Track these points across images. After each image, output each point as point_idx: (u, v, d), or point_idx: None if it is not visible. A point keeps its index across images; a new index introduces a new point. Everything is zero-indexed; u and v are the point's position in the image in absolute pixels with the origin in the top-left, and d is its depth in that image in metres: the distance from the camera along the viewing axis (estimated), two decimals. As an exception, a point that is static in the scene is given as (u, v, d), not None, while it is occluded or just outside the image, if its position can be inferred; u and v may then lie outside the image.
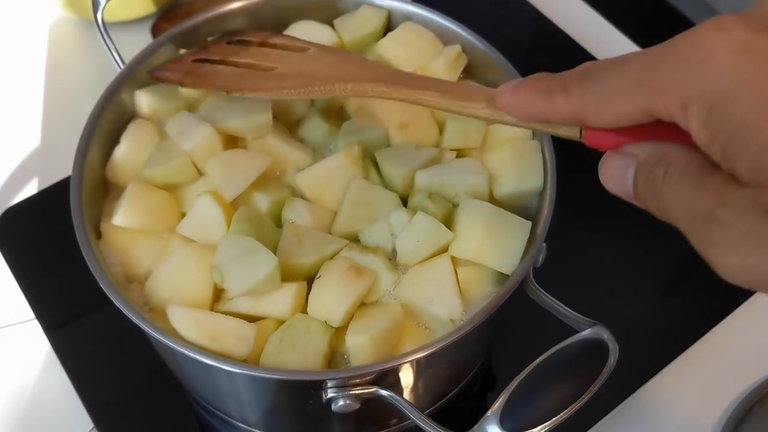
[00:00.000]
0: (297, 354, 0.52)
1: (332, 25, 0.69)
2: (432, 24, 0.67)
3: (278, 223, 0.59)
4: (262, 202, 0.58)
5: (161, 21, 0.91)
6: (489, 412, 0.48)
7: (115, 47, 0.68)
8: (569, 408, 0.48)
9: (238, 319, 0.53)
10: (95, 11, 0.68)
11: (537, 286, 0.56)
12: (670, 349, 0.71)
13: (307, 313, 0.54)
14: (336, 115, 0.64)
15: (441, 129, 0.63)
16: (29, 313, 0.73)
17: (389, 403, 0.51)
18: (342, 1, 0.70)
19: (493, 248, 0.54)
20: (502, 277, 0.55)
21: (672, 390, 0.70)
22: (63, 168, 0.69)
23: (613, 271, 0.76)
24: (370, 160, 0.61)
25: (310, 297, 0.54)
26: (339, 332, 0.54)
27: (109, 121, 0.62)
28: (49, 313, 0.72)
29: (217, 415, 0.66)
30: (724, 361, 0.71)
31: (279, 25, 0.69)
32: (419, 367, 0.53)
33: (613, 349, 0.51)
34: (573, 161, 0.80)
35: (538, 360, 0.50)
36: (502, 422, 0.48)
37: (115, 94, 0.62)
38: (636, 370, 0.69)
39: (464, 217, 0.56)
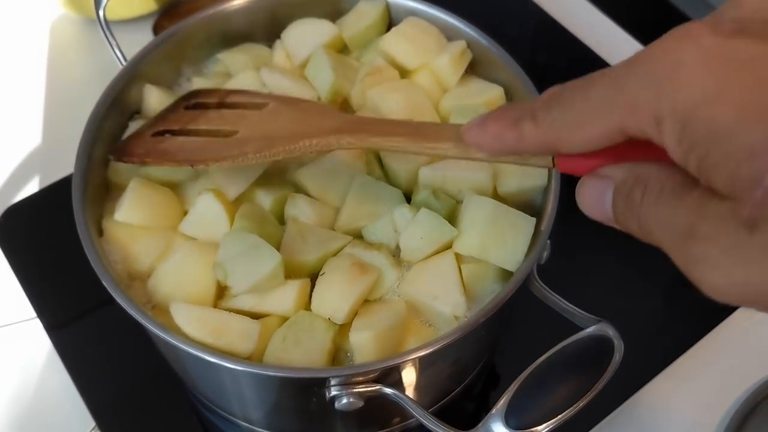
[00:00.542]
0: (300, 351, 0.52)
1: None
2: (436, 21, 0.67)
3: (281, 220, 0.59)
4: (265, 199, 0.58)
5: (163, 19, 0.91)
6: (493, 410, 0.48)
7: (117, 45, 0.68)
8: (574, 405, 0.48)
9: (241, 316, 0.53)
10: (97, 8, 0.67)
11: (541, 283, 0.56)
12: (674, 347, 0.71)
13: (310, 310, 0.54)
14: (340, 108, 0.64)
15: (444, 125, 0.63)
16: (30, 312, 0.72)
17: (393, 401, 0.51)
18: (341, -4, 0.70)
19: (497, 245, 0.54)
20: (506, 274, 0.55)
21: (676, 388, 0.69)
22: (64, 166, 0.69)
23: (617, 270, 0.75)
24: (373, 155, 0.60)
25: (313, 294, 0.54)
26: (343, 329, 0.54)
27: (111, 118, 0.62)
28: (50, 312, 0.72)
29: (220, 413, 0.66)
30: (729, 359, 0.71)
31: (279, 22, 0.69)
32: (423, 365, 0.53)
33: (618, 346, 0.51)
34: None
35: (543, 357, 0.50)
36: (506, 420, 0.48)
37: (117, 92, 0.62)
38: (640, 368, 0.68)
39: (468, 214, 0.55)
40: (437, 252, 0.56)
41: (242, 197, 0.58)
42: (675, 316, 0.73)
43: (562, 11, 0.94)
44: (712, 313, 0.73)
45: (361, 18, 0.68)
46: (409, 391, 0.56)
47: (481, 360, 0.66)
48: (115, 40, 0.68)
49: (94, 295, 0.54)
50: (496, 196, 0.58)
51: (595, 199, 0.36)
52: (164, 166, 0.58)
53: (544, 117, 0.35)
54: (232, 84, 0.65)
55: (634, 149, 0.34)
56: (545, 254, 0.56)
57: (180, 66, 0.68)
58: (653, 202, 0.33)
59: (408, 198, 0.59)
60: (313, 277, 0.55)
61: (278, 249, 0.54)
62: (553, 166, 0.39)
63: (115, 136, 0.62)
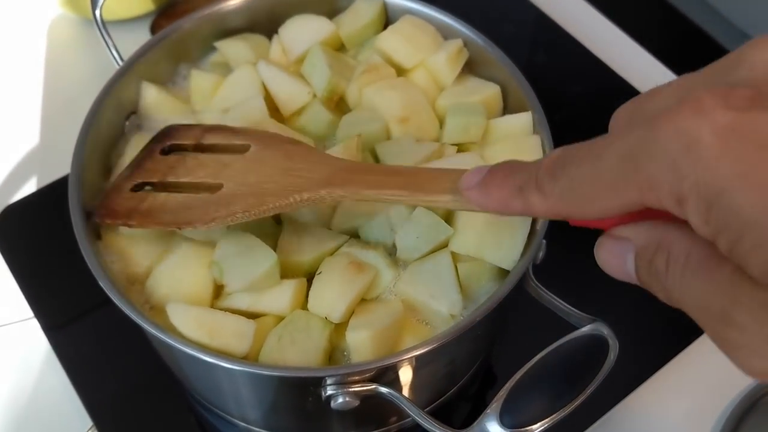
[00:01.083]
0: (296, 350, 0.52)
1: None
2: (432, 20, 0.67)
3: (278, 219, 0.59)
4: None
5: (160, 19, 0.91)
6: (488, 409, 0.48)
7: (114, 45, 0.68)
8: (569, 404, 0.48)
9: (237, 315, 0.53)
10: (93, 8, 0.67)
11: (537, 282, 0.56)
12: (670, 347, 0.71)
13: (307, 309, 0.54)
14: (336, 106, 0.64)
15: (441, 123, 0.63)
16: (28, 312, 0.72)
17: (389, 401, 0.51)
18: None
19: (493, 243, 0.54)
20: (502, 273, 0.55)
21: (672, 388, 0.69)
22: (62, 166, 0.69)
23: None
24: (370, 153, 0.60)
25: (310, 293, 0.54)
26: (339, 328, 0.54)
27: (108, 118, 0.62)
28: (48, 312, 0.72)
29: (217, 413, 0.66)
30: (725, 359, 0.70)
31: (277, 21, 0.69)
32: (419, 364, 0.53)
33: (613, 346, 0.51)
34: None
35: (538, 356, 0.50)
36: (501, 419, 0.48)
37: (113, 91, 0.62)
38: (636, 369, 0.68)
39: (464, 213, 0.55)
40: (433, 251, 0.56)
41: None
42: (670, 315, 0.72)
43: (559, 10, 0.94)
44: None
45: (358, 16, 0.68)
46: (405, 391, 0.56)
47: (476, 360, 0.66)
48: (111, 40, 0.68)
49: (92, 295, 0.54)
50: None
51: (616, 262, 0.35)
52: (148, 229, 0.55)
53: (552, 188, 0.33)
54: (231, 80, 0.65)
55: (653, 210, 0.31)
56: (541, 254, 0.56)
57: (177, 65, 0.68)
58: (679, 274, 0.31)
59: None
60: (310, 276, 0.55)
61: (275, 249, 0.54)
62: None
63: (112, 135, 0.62)
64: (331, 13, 0.69)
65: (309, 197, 0.49)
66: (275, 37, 0.68)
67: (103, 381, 0.69)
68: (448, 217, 0.56)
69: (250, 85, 0.63)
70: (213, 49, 0.69)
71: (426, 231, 0.55)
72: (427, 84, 0.64)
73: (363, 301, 0.55)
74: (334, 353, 0.55)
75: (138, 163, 0.57)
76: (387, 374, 0.51)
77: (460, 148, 0.62)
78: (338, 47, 0.68)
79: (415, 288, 0.55)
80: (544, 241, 0.55)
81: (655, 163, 0.29)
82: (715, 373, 0.70)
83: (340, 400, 0.50)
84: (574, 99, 0.87)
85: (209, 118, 0.63)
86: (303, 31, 0.67)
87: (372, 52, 0.65)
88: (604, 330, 0.51)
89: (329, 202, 0.50)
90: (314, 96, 0.64)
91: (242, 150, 0.54)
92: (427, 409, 0.63)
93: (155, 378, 0.68)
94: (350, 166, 0.51)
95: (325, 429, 0.63)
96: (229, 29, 0.69)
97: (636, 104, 0.34)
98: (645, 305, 0.73)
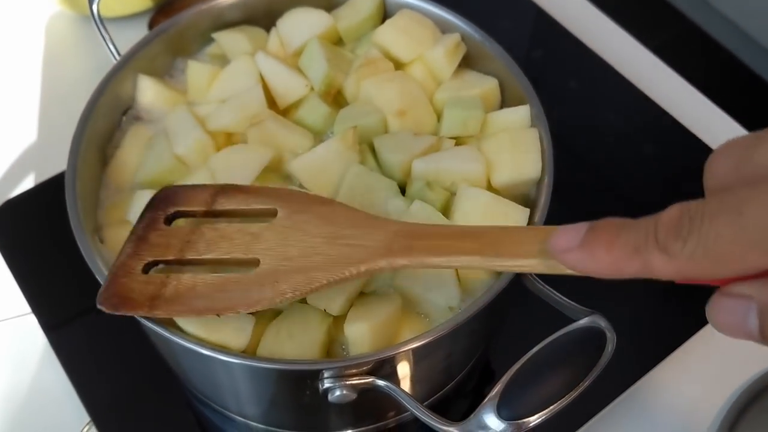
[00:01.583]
0: (294, 344, 0.52)
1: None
2: (430, 15, 0.67)
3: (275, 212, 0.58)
4: None
5: (158, 15, 0.91)
6: (486, 401, 0.48)
7: (112, 41, 0.68)
8: (567, 396, 0.48)
9: None
10: (91, 4, 0.67)
11: (534, 276, 0.56)
12: (669, 340, 0.70)
13: (305, 303, 0.54)
14: (334, 100, 0.64)
15: (439, 117, 0.63)
16: (25, 308, 0.72)
17: (386, 394, 0.51)
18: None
19: (491, 236, 0.54)
20: (500, 266, 0.55)
21: (672, 382, 0.69)
22: (60, 162, 0.68)
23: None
24: (367, 146, 0.60)
25: None
26: (338, 322, 0.54)
27: (104, 112, 0.62)
28: (45, 308, 0.72)
29: (215, 408, 0.65)
30: (725, 353, 0.70)
31: (274, 16, 0.69)
32: (416, 357, 0.53)
33: (611, 338, 0.50)
34: (570, 156, 0.80)
35: (536, 348, 0.50)
36: (499, 411, 0.48)
37: (110, 85, 0.62)
38: (634, 363, 0.68)
39: (462, 205, 0.55)
40: (431, 244, 0.56)
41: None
42: (670, 309, 0.72)
43: (557, 6, 0.94)
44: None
45: (357, 10, 0.68)
46: (403, 385, 0.56)
47: (474, 354, 0.66)
48: (109, 36, 0.68)
49: (90, 291, 0.54)
50: (490, 188, 0.58)
51: (736, 322, 0.32)
52: (180, 317, 0.49)
53: (680, 249, 0.31)
54: (228, 70, 0.65)
55: None
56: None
57: (175, 59, 0.68)
58: None
59: (402, 190, 0.59)
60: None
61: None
62: None
63: (108, 130, 0.62)
64: (329, 6, 0.69)
65: (367, 269, 0.45)
66: (273, 30, 0.68)
67: (100, 377, 0.68)
68: (445, 210, 0.57)
69: (248, 76, 0.63)
70: (211, 41, 0.69)
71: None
72: (424, 78, 0.64)
73: (361, 294, 0.55)
74: (332, 346, 0.55)
75: (140, 236, 0.50)
76: (384, 367, 0.51)
77: (458, 141, 0.62)
78: (336, 41, 0.68)
79: (413, 281, 0.55)
80: (541, 234, 0.55)
81: None
82: (715, 366, 0.70)
83: (338, 393, 0.49)
84: (572, 95, 0.87)
85: (206, 110, 0.62)
86: (301, 24, 0.66)
87: (370, 46, 0.65)
88: (602, 322, 0.51)
89: (388, 271, 0.45)
90: (311, 89, 0.64)
91: (264, 214, 0.50)
92: (425, 403, 0.63)
93: (153, 374, 0.68)
94: (408, 229, 0.46)
95: (323, 424, 0.63)
96: (227, 23, 0.69)
97: (739, 152, 0.33)
98: (644, 300, 0.73)
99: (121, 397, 0.68)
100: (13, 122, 0.87)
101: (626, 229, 0.33)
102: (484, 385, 0.69)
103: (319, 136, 0.63)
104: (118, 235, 0.56)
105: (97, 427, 0.66)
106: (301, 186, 0.59)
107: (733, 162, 0.33)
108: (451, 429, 0.49)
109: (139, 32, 0.88)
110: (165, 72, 0.68)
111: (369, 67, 0.62)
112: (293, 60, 0.66)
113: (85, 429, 0.66)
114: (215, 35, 0.68)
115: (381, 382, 0.50)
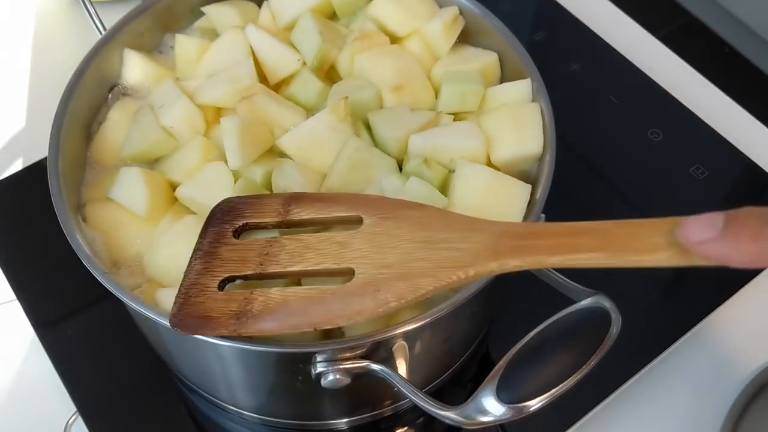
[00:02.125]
0: None
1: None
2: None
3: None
4: (257, 172, 0.56)
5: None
6: (484, 383, 0.46)
7: (103, 25, 0.66)
8: (569, 379, 0.46)
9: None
10: (78, -20, 0.66)
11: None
12: (677, 326, 0.69)
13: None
14: (327, 75, 0.63)
15: (437, 93, 0.61)
16: (10, 294, 0.70)
17: (382, 379, 0.49)
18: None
19: (492, 213, 0.52)
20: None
21: (677, 370, 0.68)
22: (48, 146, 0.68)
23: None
24: (362, 123, 0.59)
25: None
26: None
27: (89, 90, 0.61)
28: (31, 294, 0.70)
29: (207, 399, 0.64)
30: (733, 341, 0.69)
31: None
32: (412, 341, 0.51)
33: (616, 320, 0.49)
34: (572, 139, 0.79)
35: (537, 329, 0.48)
36: (499, 394, 0.46)
37: (95, 61, 0.61)
38: (640, 350, 0.67)
39: (461, 182, 0.54)
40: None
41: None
42: (679, 291, 0.71)
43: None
44: (715, 292, 0.71)
45: None
46: (400, 370, 0.54)
47: (473, 340, 0.65)
48: (100, 20, 0.66)
49: (78, 279, 0.52)
50: (489, 165, 0.57)
51: None
52: (276, 334, 0.46)
53: None
54: (218, 44, 0.63)
55: None
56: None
57: (164, 35, 0.67)
58: None
59: (399, 167, 0.57)
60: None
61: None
62: None
63: (94, 107, 0.61)
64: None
65: (476, 273, 0.43)
66: (265, 3, 0.67)
67: (88, 367, 0.67)
68: (443, 188, 0.55)
69: (238, 50, 0.62)
70: (201, 16, 0.67)
71: (420, 201, 0.53)
72: (421, 53, 0.63)
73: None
74: (331, 330, 0.52)
75: (208, 251, 0.48)
76: (379, 351, 0.50)
77: (457, 117, 0.60)
78: (330, 15, 0.67)
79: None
80: (543, 215, 0.54)
81: None
82: (723, 355, 0.68)
83: (331, 377, 0.48)
84: (574, 77, 0.86)
85: (194, 85, 0.61)
86: (294, -2, 0.65)
87: (365, 20, 0.64)
88: (606, 303, 0.49)
89: (498, 272, 0.43)
90: (304, 64, 0.62)
91: (346, 221, 0.48)
92: (423, 391, 0.62)
93: (143, 364, 0.67)
94: (514, 229, 0.44)
95: (318, 413, 0.62)
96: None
97: None
98: (652, 282, 0.71)
99: (109, 388, 0.66)
100: (1, 106, 0.86)
101: None
102: (484, 374, 0.67)
103: (311, 113, 0.61)
104: (99, 213, 0.55)
105: (84, 418, 0.64)
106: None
107: None
108: (448, 414, 0.47)
109: (131, 15, 0.87)
110: (154, 48, 0.66)
111: (364, 41, 0.61)
112: (285, 34, 0.64)
113: (71, 420, 0.64)
114: (204, 8, 0.66)
115: (376, 366, 0.49)
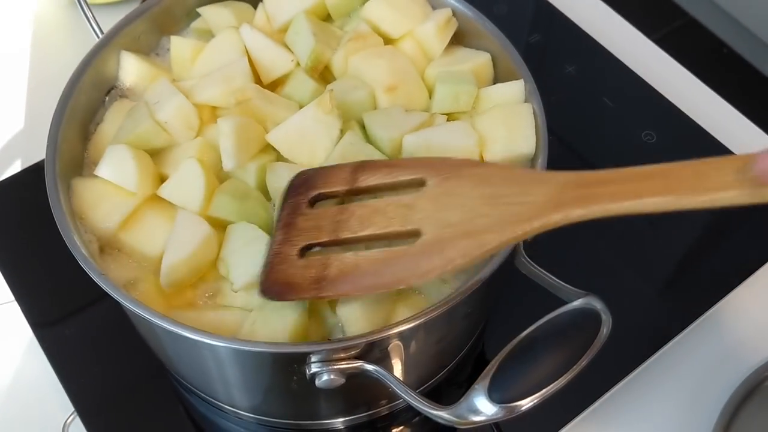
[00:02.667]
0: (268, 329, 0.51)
1: None
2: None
3: (268, 195, 0.57)
4: (250, 171, 0.57)
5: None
6: (477, 384, 0.47)
7: (100, 28, 0.67)
8: (560, 379, 0.46)
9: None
10: (75, -17, 0.66)
11: (527, 258, 0.55)
12: (668, 328, 0.69)
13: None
14: (321, 76, 0.63)
15: (430, 93, 0.62)
16: (8, 295, 0.71)
17: (376, 380, 0.49)
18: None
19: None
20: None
21: (670, 371, 0.68)
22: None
23: (607, 249, 0.74)
24: (356, 122, 0.59)
25: None
26: (333, 303, 0.52)
27: (86, 92, 0.61)
28: (29, 295, 0.71)
29: (204, 398, 0.64)
30: (726, 341, 0.69)
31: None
32: (406, 341, 0.52)
33: (606, 321, 0.49)
34: (566, 141, 0.79)
35: (527, 331, 0.48)
36: (490, 394, 0.46)
37: (93, 63, 0.61)
38: (632, 351, 0.67)
39: None
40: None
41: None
42: (668, 296, 0.71)
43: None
44: (708, 293, 0.71)
45: None
46: (394, 371, 0.55)
47: (467, 340, 0.65)
48: (96, 23, 0.67)
49: (76, 280, 0.53)
50: (482, 163, 0.57)
51: None
52: (349, 297, 0.49)
53: None
54: (213, 45, 0.63)
55: None
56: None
57: (161, 38, 0.67)
58: None
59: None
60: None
61: (266, 227, 0.53)
62: None
63: (92, 109, 0.61)
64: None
65: (540, 225, 0.43)
66: (260, 5, 0.67)
67: (86, 368, 0.67)
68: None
69: (233, 50, 0.62)
70: (197, 17, 0.67)
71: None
72: (415, 54, 0.63)
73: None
74: (332, 330, 0.53)
75: (287, 222, 0.51)
76: (373, 351, 0.50)
77: (450, 117, 0.60)
78: (325, 17, 0.67)
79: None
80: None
81: None
82: (715, 356, 0.69)
83: (325, 378, 0.48)
84: (570, 79, 0.86)
85: (189, 85, 0.61)
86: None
87: (359, 22, 0.64)
88: (597, 304, 0.50)
89: (563, 224, 0.42)
90: (297, 65, 0.62)
91: (411, 185, 0.49)
92: (417, 391, 0.62)
93: (140, 365, 0.67)
94: (578, 179, 0.43)
95: (313, 412, 0.62)
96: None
97: None
98: (641, 286, 0.72)
99: (107, 388, 0.67)
100: (1, 109, 0.86)
101: None
102: (479, 373, 0.68)
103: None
104: (84, 186, 0.56)
105: (82, 418, 0.64)
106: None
107: None
108: (440, 413, 0.47)
109: (128, 18, 0.87)
110: (151, 51, 0.67)
111: (358, 42, 0.61)
112: (280, 36, 0.65)
113: (69, 419, 0.65)
114: (200, 9, 0.66)
115: (370, 367, 0.49)
